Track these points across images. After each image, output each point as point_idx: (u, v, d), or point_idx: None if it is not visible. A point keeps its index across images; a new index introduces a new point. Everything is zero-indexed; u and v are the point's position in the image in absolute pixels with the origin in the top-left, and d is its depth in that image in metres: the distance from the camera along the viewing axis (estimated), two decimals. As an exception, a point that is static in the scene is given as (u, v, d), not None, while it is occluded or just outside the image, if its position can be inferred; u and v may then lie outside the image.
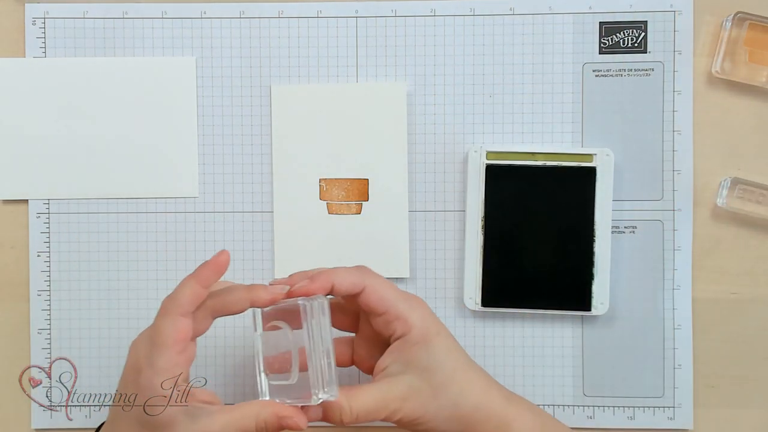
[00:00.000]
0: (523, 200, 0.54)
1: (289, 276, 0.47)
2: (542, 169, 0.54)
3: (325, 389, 0.43)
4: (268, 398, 0.45)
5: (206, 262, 0.44)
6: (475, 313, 0.56)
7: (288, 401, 0.44)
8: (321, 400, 0.43)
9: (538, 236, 0.54)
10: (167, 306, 0.43)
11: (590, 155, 0.54)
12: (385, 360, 0.47)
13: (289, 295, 0.44)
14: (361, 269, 0.47)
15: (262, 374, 0.45)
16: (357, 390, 0.45)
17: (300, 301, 0.44)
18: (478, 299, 0.55)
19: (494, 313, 0.55)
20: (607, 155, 0.54)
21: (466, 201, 0.55)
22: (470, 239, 0.55)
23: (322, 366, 0.43)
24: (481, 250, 0.54)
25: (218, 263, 0.45)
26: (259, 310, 0.46)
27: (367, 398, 0.45)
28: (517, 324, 0.56)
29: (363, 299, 0.46)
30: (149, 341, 0.44)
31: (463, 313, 0.56)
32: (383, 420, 0.45)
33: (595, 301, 0.54)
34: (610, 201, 0.54)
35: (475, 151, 0.54)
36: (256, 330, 0.46)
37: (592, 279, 0.54)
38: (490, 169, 0.54)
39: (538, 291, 0.54)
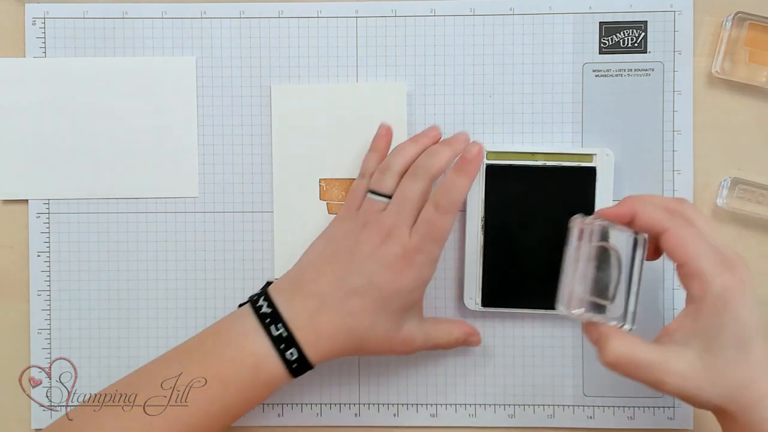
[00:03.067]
0: (523, 200, 0.54)
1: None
2: (542, 169, 0.54)
3: (635, 322, 0.46)
4: (581, 309, 0.46)
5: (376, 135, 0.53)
6: (474, 314, 0.55)
7: (596, 317, 0.46)
8: (630, 330, 0.45)
9: (539, 236, 0.54)
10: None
11: (590, 155, 0.54)
12: (675, 323, 0.44)
13: (608, 215, 0.46)
14: (677, 205, 0.45)
15: (578, 284, 0.46)
16: (633, 340, 0.44)
17: (632, 233, 0.46)
18: (479, 299, 0.55)
19: (494, 313, 0.55)
20: (608, 155, 0.54)
21: (466, 201, 0.55)
22: (470, 239, 0.55)
23: (638, 299, 0.46)
24: (481, 250, 0.54)
25: (385, 133, 0.53)
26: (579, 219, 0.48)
27: (640, 354, 0.43)
28: (517, 324, 0.56)
29: (663, 242, 0.44)
30: None
31: (463, 313, 0.56)
32: (642, 382, 0.43)
33: None
34: (610, 201, 0.54)
35: None
36: (588, 240, 0.47)
37: None
38: (490, 169, 0.54)
39: (538, 291, 0.54)
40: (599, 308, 0.46)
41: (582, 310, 0.46)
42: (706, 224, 0.45)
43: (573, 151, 0.54)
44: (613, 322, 0.46)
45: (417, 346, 0.51)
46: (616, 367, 0.43)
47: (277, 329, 0.47)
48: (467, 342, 0.54)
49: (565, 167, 0.54)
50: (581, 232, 0.47)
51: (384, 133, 0.54)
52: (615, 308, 0.46)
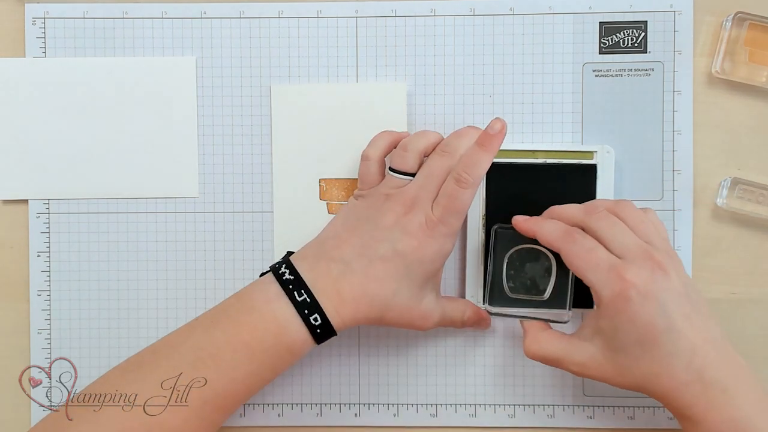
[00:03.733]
0: (524, 198, 0.54)
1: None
2: (543, 166, 0.54)
3: (571, 314, 0.52)
4: (500, 308, 0.52)
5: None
6: None
7: (529, 314, 0.52)
8: (568, 322, 0.51)
9: None
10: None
11: (591, 152, 0.54)
12: (585, 320, 0.49)
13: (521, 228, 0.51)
14: (584, 216, 0.49)
15: (506, 285, 0.52)
16: (546, 335, 0.50)
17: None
18: (480, 298, 0.55)
19: (494, 312, 0.55)
20: (608, 152, 0.54)
21: None
22: (471, 238, 0.55)
23: (570, 293, 0.52)
24: (483, 248, 0.54)
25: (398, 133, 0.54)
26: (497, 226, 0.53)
27: (549, 348, 0.49)
28: (517, 323, 0.56)
29: (563, 260, 0.48)
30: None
31: None
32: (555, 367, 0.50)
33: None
34: (611, 198, 0.54)
35: None
36: (499, 251, 0.52)
37: None
38: (490, 167, 0.54)
39: None
40: (533, 303, 0.52)
41: (501, 308, 0.52)
42: (611, 229, 0.47)
43: (573, 148, 0.54)
44: (549, 316, 0.52)
45: (434, 321, 0.52)
46: (534, 359, 0.50)
47: (300, 295, 0.48)
48: (478, 324, 0.54)
49: (565, 165, 0.54)
50: (501, 237, 0.52)
51: (405, 134, 0.54)
52: (550, 303, 0.52)
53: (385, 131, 0.54)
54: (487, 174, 0.54)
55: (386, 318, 0.50)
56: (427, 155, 0.51)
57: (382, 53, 0.56)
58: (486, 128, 0.50)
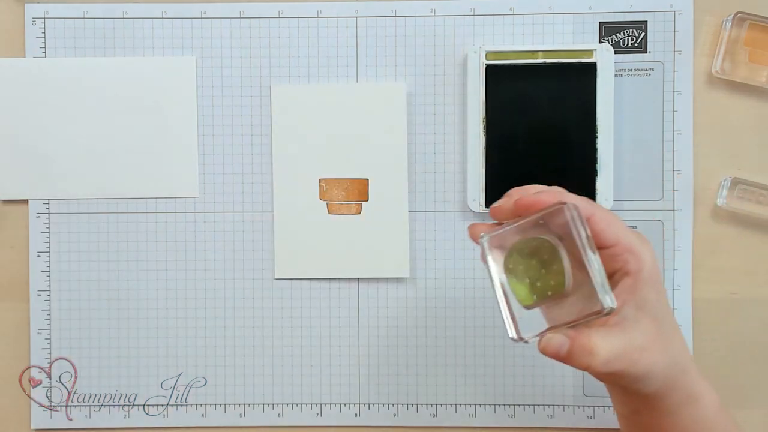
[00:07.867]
0: (524, 100, 0.53)
1: (506, 195, 0.43)
2: (542, 67, 0.54)
3: (610, 295, 0.38)
4: (544, 325, 0.40)
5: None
6: (478, 216, 0.48)
7: (564, 319, 0.39)
8: (609, 309, 0.38)
9: (541, 135, 0.54)
10: None
11: (590, 51, 0.54)
12: (619, 301, 0.40)
13: (518, 207, 0.41)
14: (585, 198, 0.41)
15: (516, 298, 0.40)
16: (600, 333, 0.40)
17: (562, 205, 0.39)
18: (482, 201, 0.54)
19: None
20: (607, 50, 0.54)
21: (466, 102, 0.54)
22: (472, 141, 0.54)
23: (601, 269, 0.38)
24: (484, 151, 0.54)
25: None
26: (486, 237, 0.41)
27: (615, 343, 0.40)
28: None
29: (592, 227, 0.40)
30: None
31: (467, 216, 0.55)
32: (621, 371, 0.40)
33: (599, 198, 0.53)
34: (611, 97, 0.54)
35: (474, 52, 0.54)
36: (488, 257, 0.41)
37: (596, 175, 0.53)
38: (489, 69, 0.54)
39: None
40: (559, 306, 0.40)
41: (541, 329, 0.40)
42: (603, 211, 0.42)
43: (573, 47, 0.54)
44: (588, 311, 0.39)
45: None
46: (606, 371, 0.40)
47: None
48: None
49: (565, 64, 0.54)
50: (491, 244, 0.41)
51: None
52: (577, 293, 0.40)
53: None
54: (487, 76, 0.53)
55: None
56: None
57: (382, 53, 0.56)
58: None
